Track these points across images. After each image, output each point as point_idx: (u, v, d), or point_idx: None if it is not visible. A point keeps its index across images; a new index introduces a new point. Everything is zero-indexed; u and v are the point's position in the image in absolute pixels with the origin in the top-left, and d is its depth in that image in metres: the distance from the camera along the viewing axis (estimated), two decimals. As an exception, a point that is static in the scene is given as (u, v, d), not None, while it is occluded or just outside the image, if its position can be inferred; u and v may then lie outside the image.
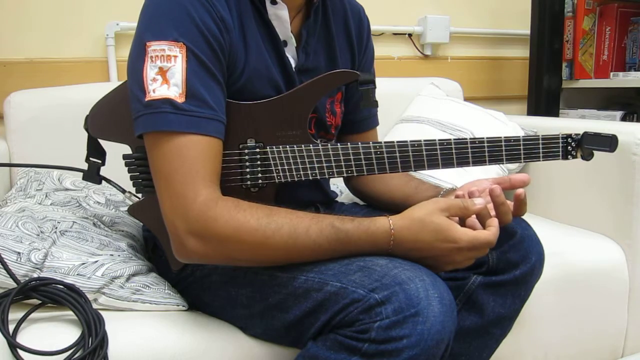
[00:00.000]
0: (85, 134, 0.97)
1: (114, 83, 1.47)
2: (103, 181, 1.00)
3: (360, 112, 1.05)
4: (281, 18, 0.88)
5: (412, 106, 1.66)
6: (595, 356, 1.29)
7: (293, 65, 0.91)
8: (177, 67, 0.76)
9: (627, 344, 1.32)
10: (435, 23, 1.90)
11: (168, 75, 0.76)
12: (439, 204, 0.78)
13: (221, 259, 0.78)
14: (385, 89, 1.59)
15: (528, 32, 1.88)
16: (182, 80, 0.76)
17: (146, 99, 0.76)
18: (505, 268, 0.91)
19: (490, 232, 0.78)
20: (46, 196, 1.09)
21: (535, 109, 1.87)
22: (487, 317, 0.92)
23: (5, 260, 0.84)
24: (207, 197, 0.75)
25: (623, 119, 1.82)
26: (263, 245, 0.75)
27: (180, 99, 0.76)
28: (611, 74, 1.84)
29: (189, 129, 0.76)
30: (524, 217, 0.94)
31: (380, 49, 1.85)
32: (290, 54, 0.91)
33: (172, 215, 0.76)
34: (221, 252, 0.76)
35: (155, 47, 0.77)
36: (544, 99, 1.85)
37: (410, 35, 1.91)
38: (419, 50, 1.94)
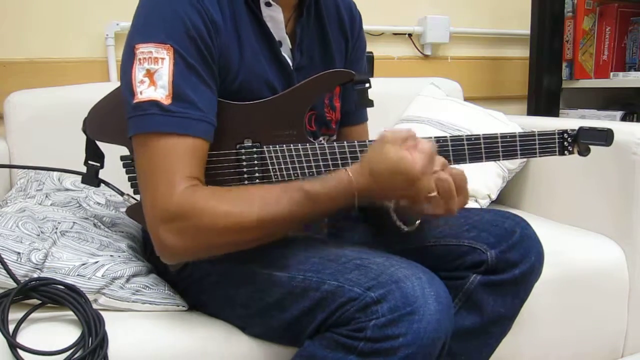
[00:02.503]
0: (86, 134, 0.97)
1: (114, 83, 1.47)
2: (101, 186, 1.00)
3: (346, 105, 1.04)
4: (276, 19, 0.88)
5: (412, 106, 1.66)
6: (595, 356, 1.29)
7: (290, 65, 0.91)
8: (164, 69, 0.76)
9: (627, 344, 1.32)
10: (435, 23, 1.90)
11: (155, 77, 0.76)
12: (384, 138, 0.77)
13: (202, 249, 0.78)
14: (385, 89, 1.60)
15: (528, 32, 1.87)
16: (168, 82, 0.76)
17: (134, 101, 0.77)
18: (505, 267, 0.90)
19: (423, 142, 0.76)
20: (46, 196, 1.09)
21: (535, 109, 1.87)
22: (487, 317, 0.92)
23: (6, 260, 0.84)
24: (185, 189, 0.75)
25: (623, 119, 1.82)
26: (239, 225, 0.75)
27: (167, 101, 0.76)
28: (611, 74, 1.84)
29: (174, 130, 0.76)
30: (524, 216, 0.94)
31: (380, 49, 1.85)
32: (286, 54, 0.91)
33: (152, 215, 0.76)
34: (200, 242, 0.76)
35: (143, 50, 0.77)
36: (544, 99, 1.85)
37: (410, 35, 1.91)
38: (419, 50, 1.94)
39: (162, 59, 0.77)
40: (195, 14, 0.79)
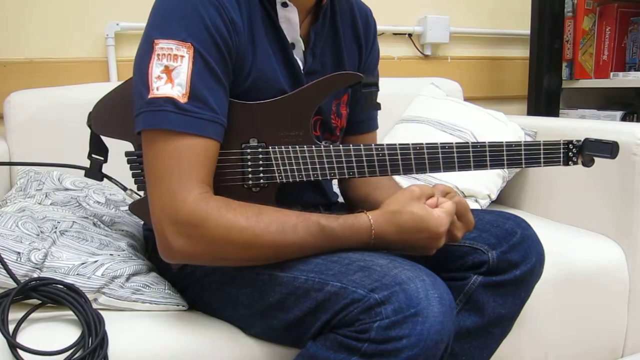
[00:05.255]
0: (86, 134, 0.97)
1: (114, 83, 1.47)
2: (104, 181, 1.00)
3: (360, 113, 1.05)
4: (291, 21, 0.88)
5: (412, 106, 1.66)
6: (595, 356, 1.29)
7: (302, 68, 0.91)
8: (183, 67, 0.76)
9: (627, 344, 1.32)
10: (435, 23, 1.90)
11: (173, 75, 0.76)
12: (413, 193, 0.80)
13: (209, 258, 0.79)
14: (386, 89, 1.57)
15: (528, 32, 1.88)
16: (186, 81, 0.76)
17: (149, 96, 0.76)
18: (506, 268, 0.91)
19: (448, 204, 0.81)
20: (46, 196, 1.09)
21: (535, 109, 1.87)
22: (488, 317, 0.92)
23: (5, 260, 0.84)
24: (199, 197, 0.75)
25: (623, 119, 1.83)
26: (253, 244, 0.75)
27: (183, 99, 0.76)
28: (611, 74, 1.84)
29: (188, 130, 0.76)
30: (524, 216, 0.95)
31: (381, 49, 1.84)
32: (298, 57, 0.91)
33: (161, 214, 0.76)
34: (210, 252, 0.77)
35: (163, 46, 0.77)
36: (544, 99, 1.85)
37: (410, 35, 1.91)
38: (419, 50, 1.94)
39: (182, 56, 0.76)
40: (215, 13, 0.79)
